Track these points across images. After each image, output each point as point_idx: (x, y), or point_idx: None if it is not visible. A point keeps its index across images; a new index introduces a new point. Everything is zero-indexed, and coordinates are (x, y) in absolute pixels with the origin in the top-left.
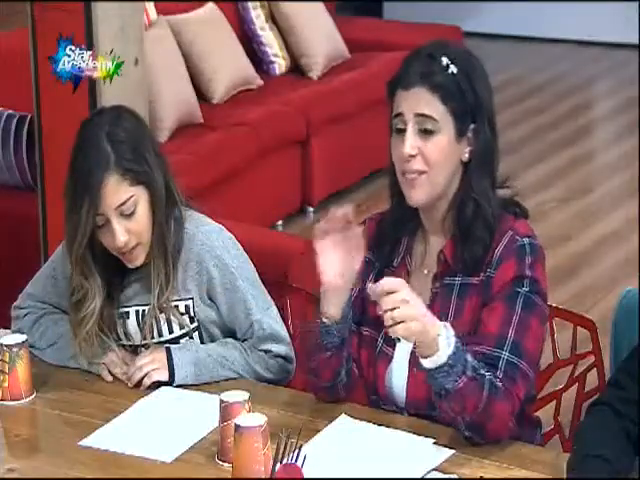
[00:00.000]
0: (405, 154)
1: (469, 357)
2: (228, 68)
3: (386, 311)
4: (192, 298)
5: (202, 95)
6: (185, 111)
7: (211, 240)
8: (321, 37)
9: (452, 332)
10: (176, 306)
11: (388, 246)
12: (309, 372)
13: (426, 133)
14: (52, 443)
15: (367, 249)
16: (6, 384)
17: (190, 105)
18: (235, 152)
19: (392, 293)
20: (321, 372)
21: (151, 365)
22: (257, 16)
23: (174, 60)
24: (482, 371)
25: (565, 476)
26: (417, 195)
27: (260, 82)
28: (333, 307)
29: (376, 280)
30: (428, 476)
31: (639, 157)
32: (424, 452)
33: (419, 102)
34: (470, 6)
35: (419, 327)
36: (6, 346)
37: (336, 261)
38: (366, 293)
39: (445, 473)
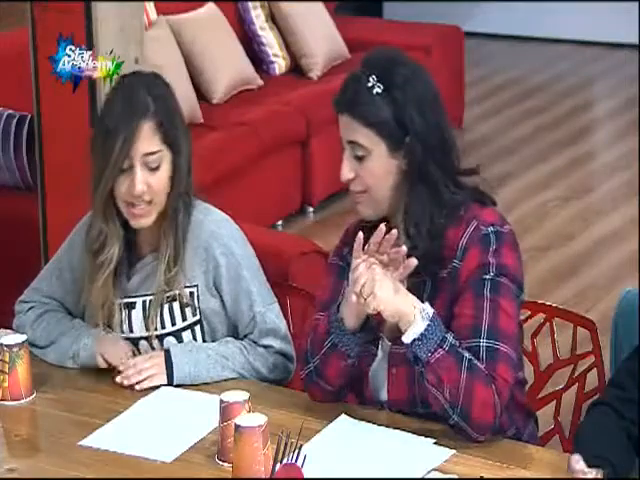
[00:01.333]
0: (343, 178)
1: (449, 336)
2: (228, 68)
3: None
4: (197, 285)
5: (202, 95)
6: (185, 111)
7: (220, 228)
8: (321, 37)
9: (429, 308)
10: (181, 294)
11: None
12: (313, 371)
13: (359, 159)
14: (52, 443)
15: (340, 256)
16: (6, 384)
17: (190, 105)
18: (235, 152)
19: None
20: (328, 373)
21: (150, 370)
22: (257, 16)
23: (174, 60)
24: (462, 351)
25: (566, 476)
26: (364, 211)
27: (260, 82)
28: (353, 319)
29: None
30: (428, 476)
31: (639, 157)
32: (424, 452)
33: (347, 129)
34: (470, 6)
35: (386, 295)
36: (6, 346)
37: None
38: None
39: (445, 473)
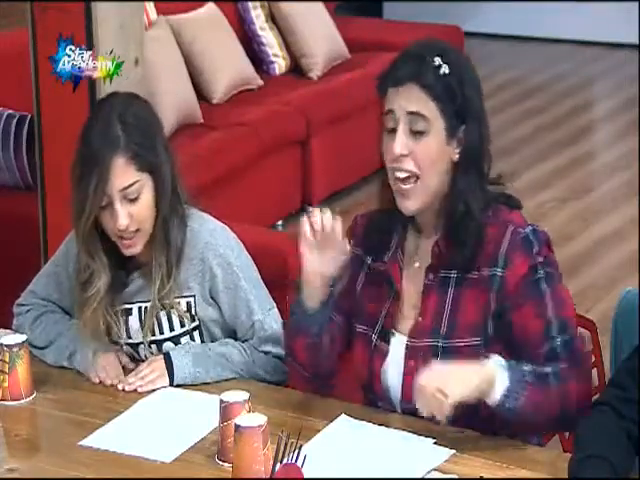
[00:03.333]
0: (396, 154)
1: (525, 367)
2: (228, 68)
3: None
4: (194, 296)
5: (202, 95)
6: (185, 111)
7: (215, 238)
8: (321, 37)
9: (496, 356)
10: (177, 303)
11: (379, 242)
12: (288, 354)
13: (417, 134)
14: (52, 443)
15: (357, 245)
16: (6, 384)
17: (190, 105)
18: (235, 152)
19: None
20: (296, 352)
21: (151, 375)
22: (257, 16)
23: (174, 60)
24: (542, 368)
25: (566, 476)
26: (411, 205)
27: (260, 82)
28: (311, 300)
29: (367, 276)
30: (428, 476)
31: (639, 157)
32: (424, 452)
33: (410, 100)
34: (470, 6)
35: (459, 390)
36: (6, 346)
37: (317, 261)
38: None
39: (445, 473)
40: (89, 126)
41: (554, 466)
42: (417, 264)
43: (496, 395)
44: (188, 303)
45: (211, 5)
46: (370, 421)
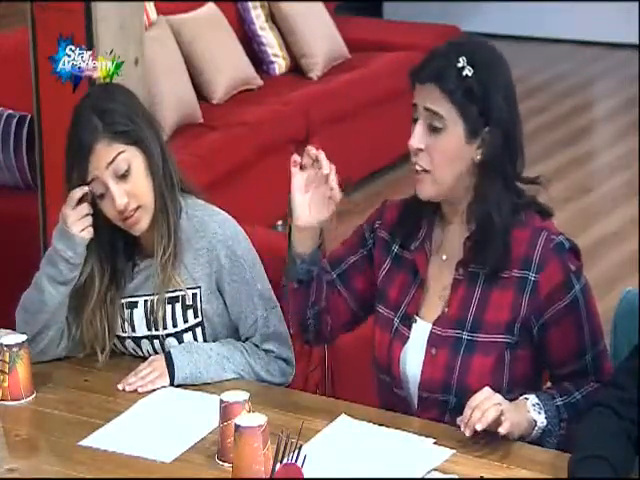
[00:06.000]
0: (412, 147)
1: (558, 401)
2: (228, 68)
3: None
4: (200, 287)
5: (202, 95)
6: (185, 111)
7: (224, 229)
8: (321, 37)
9: (533, 398)
10: (184, 296)
11: (408, 228)
12: (283, 295)
13: (434, 130)
14: (52, 443)
15: (385, 229)
16: (6, 384)
17: (190, 105)
18: (235, 152)
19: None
20: (289, 300)
21: (152, 375)
22: (257, 16)
23: (174, 60)
24: (572, 397)
25: (566, 476)
26: (423, 191)
27: (260, 82)
28: (301, 245)
29: (392, 261)
30: (428, 476)
31: (639, 157)
32: (424, 452)
33: (430, 99)
34: (470, 6)
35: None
36: (6, 346)
37: (308, 200)
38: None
39: (445, 473)
40: (70, 131)
41: (554, 466)
42: (444, 256)
43: (534, 435)
44: (194, 295)
45: (211, 5)
46: (370, 421)
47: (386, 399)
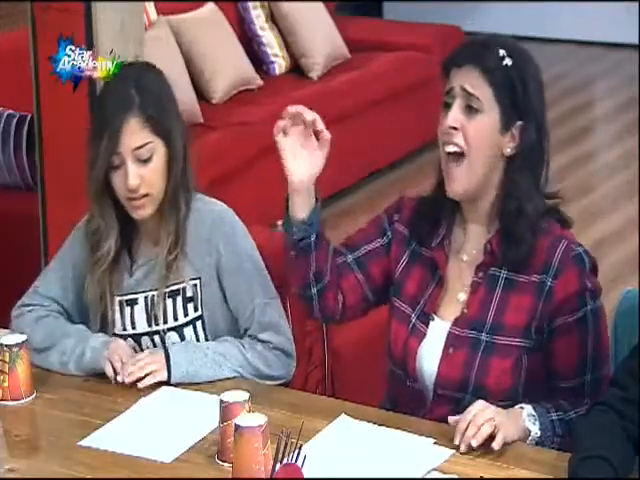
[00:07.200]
0: (447, 125)
1: (553, 416)
2: (228, 68)
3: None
4: (200, 278)
5: (202, 95)
6: (185, 111)
7: (222, 219)
8: (321, 37)
9: (529, 408)
10: (184, 289)
11: (427, 226)
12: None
13: (471, 111)
14: (52, 443)
15: (403, 224)
16: (6, 384)
17: (190, 105)
18: (235, 152)
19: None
20: (290, 271)
21: (151, 366)
22: (257, 16)
23: (174, 60)
24: (567, 415)
25: (566, 476)
26: (457, 187)
27: (260, 82)
28: (299, 210)
29: (410, 256)
30: (428, 476)
31: (639, 157)
32: (424, 452)
33: (469, 80)
34: (470, 6)
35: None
36: (6, 346)
37: (298, 161)
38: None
39: (445, 473)
40: (104, 91)
41: (554, 466)
42: (465, 257)
43: (527, 444)
44: (195, 285)
45: (211, 5)
46: (370, 421)
47: (397, 391)
